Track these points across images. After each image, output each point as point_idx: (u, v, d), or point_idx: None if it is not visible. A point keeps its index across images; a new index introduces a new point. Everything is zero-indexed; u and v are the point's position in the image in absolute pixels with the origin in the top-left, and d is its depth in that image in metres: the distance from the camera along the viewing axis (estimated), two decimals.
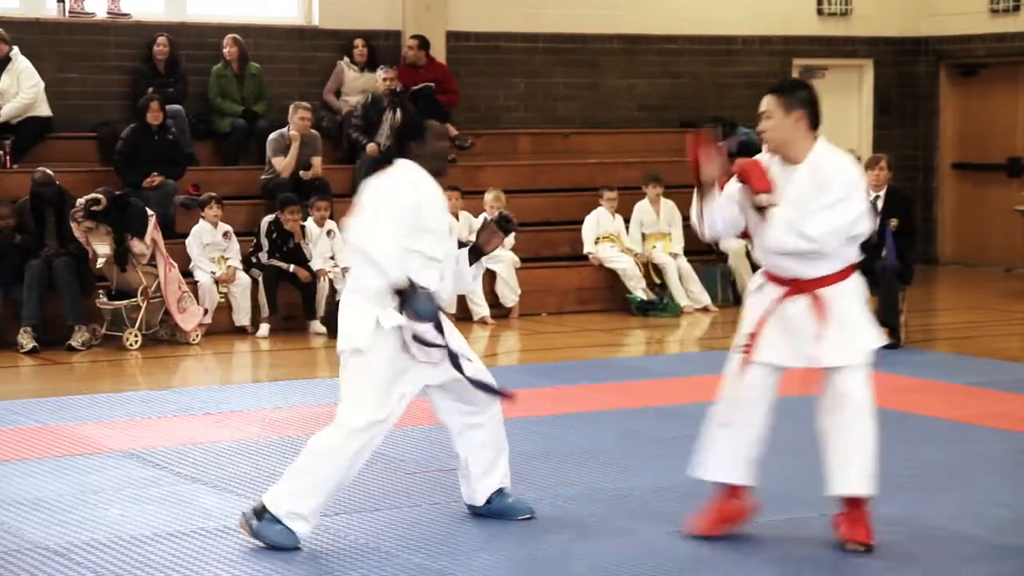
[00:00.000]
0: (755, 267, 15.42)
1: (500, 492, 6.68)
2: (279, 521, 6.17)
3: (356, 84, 15.36)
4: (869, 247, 11.98)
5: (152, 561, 6.12)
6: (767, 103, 6.26)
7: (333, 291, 13.11)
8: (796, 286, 6.21)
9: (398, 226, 6.10)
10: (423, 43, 15.51)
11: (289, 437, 8.59)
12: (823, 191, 6.09)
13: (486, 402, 6.54)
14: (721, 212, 6.29)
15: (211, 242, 13.02)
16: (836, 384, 6.20)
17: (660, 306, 14.15)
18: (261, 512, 6.20)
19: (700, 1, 17.35)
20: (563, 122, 16.71)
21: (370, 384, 6.18)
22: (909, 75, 18.62)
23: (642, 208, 14.86)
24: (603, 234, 14.60)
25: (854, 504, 6.23)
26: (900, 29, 18.49)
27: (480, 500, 6.65)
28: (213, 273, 12.87)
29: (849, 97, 18.62)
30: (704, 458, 6.40)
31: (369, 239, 6.06)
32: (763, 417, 6.30)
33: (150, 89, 13.93)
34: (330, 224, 13.44)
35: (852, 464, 6.17)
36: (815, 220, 6.04)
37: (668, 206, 14.86)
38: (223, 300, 12.85)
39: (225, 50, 14.75)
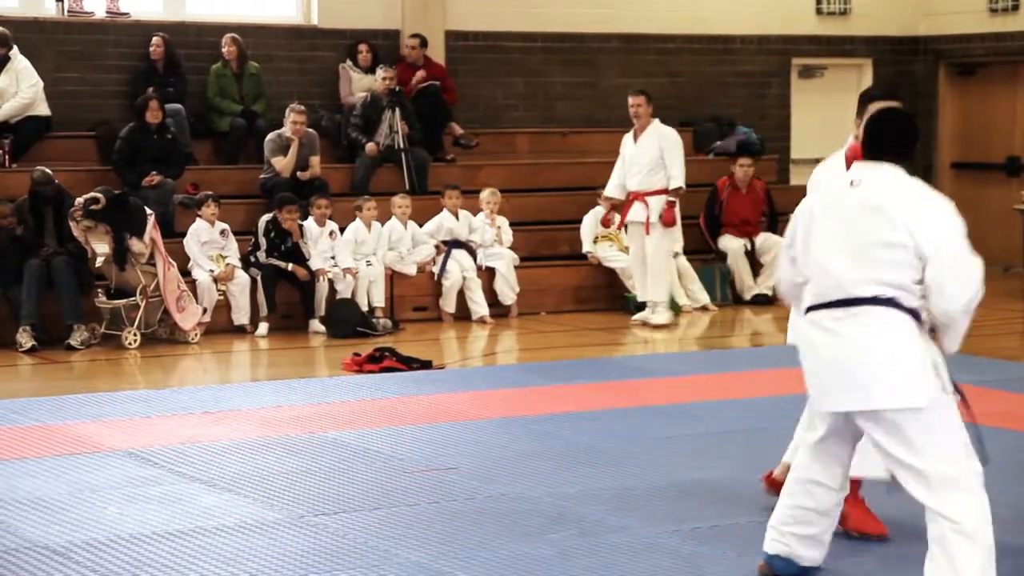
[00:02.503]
0: (754, 266, 15.53)
1: None
2: None
3: (360, 85, 15.37)
4: None
5: (151, 560, 6.12)
6: None
7: (333, 291, 13.11)
8: None
9: None
10: (423, 42, 15.52)
11: (288, 436, 8.59)
12: None
13: None
14: None
15: (209, 240, 13.02)
16: None
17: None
18: None
19: (698, 0, 17.35)
20: (562, 121, 16.71)
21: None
22: (908, 74, 18.61)
23: None
24: (602, 233, 14.59)
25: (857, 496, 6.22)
26: (899, 28, 18.49)
27: None
28: (211, 272, 12.87)
29: (848, 96, 18.44)
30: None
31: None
32: None
33: (149, 88, 13.93)
34: (331, 224, 13.44)
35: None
36: None
37: None
38: (222, 299, 12.85)
39: (224, 49, 14.74)
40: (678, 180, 13.22)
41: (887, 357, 5.16)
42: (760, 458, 7.88)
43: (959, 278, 5.17)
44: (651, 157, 13.25)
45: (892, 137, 5.40)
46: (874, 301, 5.18)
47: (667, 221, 13.23)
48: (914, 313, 5.19)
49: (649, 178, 13.25)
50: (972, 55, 18.27)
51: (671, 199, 13.24)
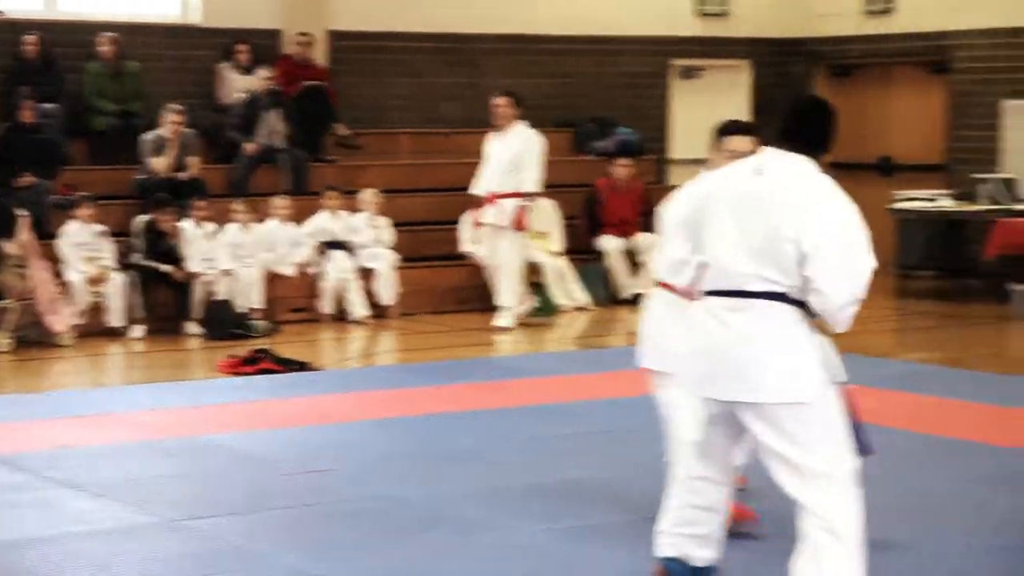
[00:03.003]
0: (633, 266, 15.60)
1: None
2: None
3: (238, 85, 15.24)
4: None
5: (22, 566, 6.03)
6: None
7: (209, 293, 12.98)
8: None
9: None
10: (312, 40, 15.47)
11: (162, 440, 8.50)
12: None
13: None
14: None
15: (83, 242, 12.82)
16: None
17: (537, 305, 14.17)
18: None
19: (580, 1, 17.43)
20: (445, 122, 16.70)
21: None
22: (786, 75, 18.84)
23: None
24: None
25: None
26: (778, 30, 18.72)
27: None
28: (85, 273, 12.68)
29: (728, 97, 18.79)
30: None
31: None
32: None
33: (24, 88, 13.70)
34: (209, 225, 13.31)
35: None
36: None
37: (547, 205, 14.89)
38: (97, 301, 12.67)
39: (101, 48, 14.54)
40: (530, 184, 13.25)
41: (775, 351, 5.13)
42: (637, 457, 7.95)
43: (837, 279, 5.13)
44: (509, 159, 13.29)
45: (810, 128, 5.30)
46: (765, 295, 5.13)
47: (517, 225, 13.26)
48: (803, 306, 5.17)
49: (505, 180, 13.26)
50: (848, 56, 18.56)
51: (524, 203, 13.27)
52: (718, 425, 5.35)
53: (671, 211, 6.00)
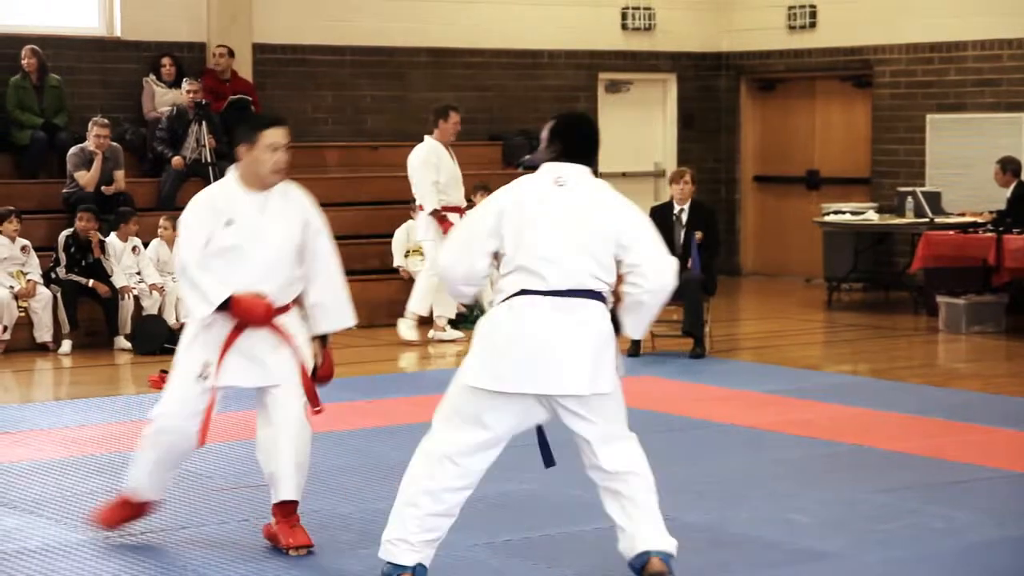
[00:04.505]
0: None
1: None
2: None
3: (165, 99, 15.15)
4: (674, 258, 12.30)
5: None
6: None
7: (139, 307, 12.88)
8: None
9: None
10: (231, 52, 15.38)
11: (92, 456, 8.42)
12: None
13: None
14: None
15: (8, 256, 12.70)
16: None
17: (471, 318, 14.19)
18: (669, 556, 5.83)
19: (506, 15, 17.48)
20: (372, 135, 16.68)
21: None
22: (711, 89, 19.01)
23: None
24: (413, 247, 14.60)
25: (288, 510, 6.45)
26: (701, 44, 18.87)
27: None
28: (12, 288, 12.55)
29: (653, 111, 18.93)
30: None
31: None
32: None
33: None
34: (134, 240, 13.22)
35: (292, 474, 6.44)
36: None
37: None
38: (23, 316, 12.54)
39: (23, 61, 14.40)
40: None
41: (589, 346, 5.63)
42: (570, 468, 7.96)
43: (658, 262, 5.75)
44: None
45: (584, 140, 5.83)
46: (584, 293, 5.63)
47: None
48: (606, 303, 5.73)
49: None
50: (772, 71, 18.74)
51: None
52: (507, 427, 5.70)
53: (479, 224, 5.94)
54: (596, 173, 5.88)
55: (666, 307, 13.23)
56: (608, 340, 5.70)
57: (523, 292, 5.62)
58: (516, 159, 16.94)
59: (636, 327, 5.89)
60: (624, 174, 18.54)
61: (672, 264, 5.83)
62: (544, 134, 5.87)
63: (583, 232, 5.64)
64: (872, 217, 16.10)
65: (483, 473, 5.77)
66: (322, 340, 6.62)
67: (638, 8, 18.33)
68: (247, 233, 6.41)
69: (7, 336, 12.34)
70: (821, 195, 18.06)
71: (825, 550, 6.46)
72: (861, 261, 16.35)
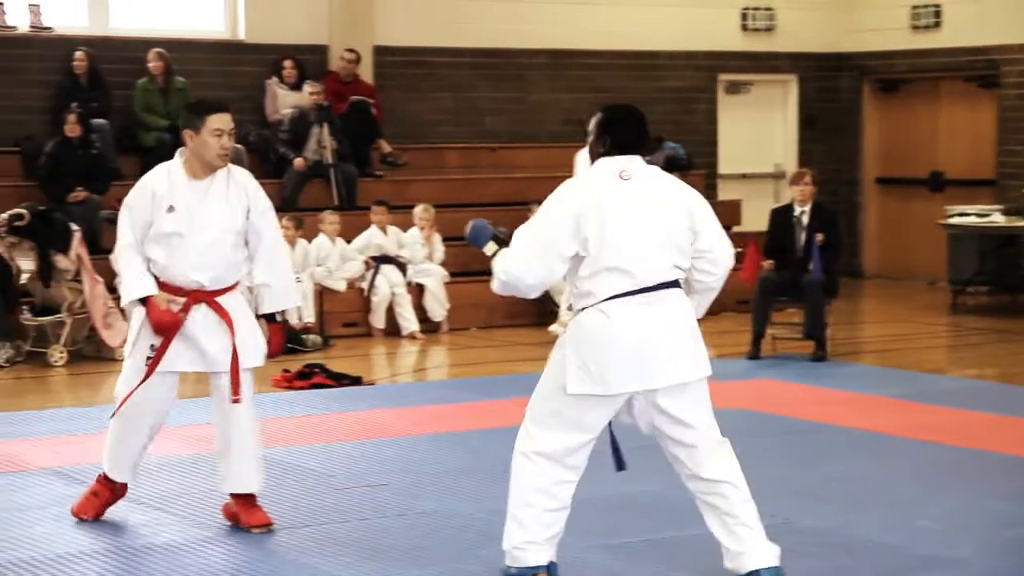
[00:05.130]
0: None
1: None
2: None
3: (287, 101, 15.33)
4: (795, 261, 12.20)
5: None
6: None
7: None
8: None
9: None
10: (358, 57, 15.54)
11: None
12: None
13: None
14: None
15: None
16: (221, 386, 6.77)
17: None
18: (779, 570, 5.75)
19: (625, 16, 17.44)
20: (490, 136, 16.74)
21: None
22: (832, 90, 18.81)
23: None
24: None
25: (247, 497, 6.77)
26: (823, 45, 18.69)
27: None
28: None
29: (774, 112, 18.79)
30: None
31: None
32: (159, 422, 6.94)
33: (74, 103, 13.81)
34: None
35: (257, 462, 6.79)
36: None
37: None
38: None
39: (150, 64, 14.65)
40: None
41: (689, 333, 5.67)
42: None
43: (725, 245, 5.78)
44: None
45: (636, 132, 5.80)
46: (671, 284, 5.66)
47: None
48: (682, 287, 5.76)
49: None
50: (895, 71, 18.50)
51: None
52: (600, 423, 5.70)
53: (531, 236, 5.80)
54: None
55: (787, 309, 13.20)
56: (695, 325, 5.74)
57: (614, 296, 5.56)
58: None
59: (702, 309, 5.88)
60: (744, 175, 18.43)
61: (729, 247, 5.84)
62: (592, 127, 5.80)
63: (662, 224, 5.62)
64: (998, 219, 15.83)
65: (586, 463, 5.79)
66: (268, 318, 6.86)
67: (758, 8, 18.20)
68: (187, 219, 6.62)
69: None
70: (945, 197, 17.79)
71: (951, 556, 6.37)
72: (986, 264, 16.06)
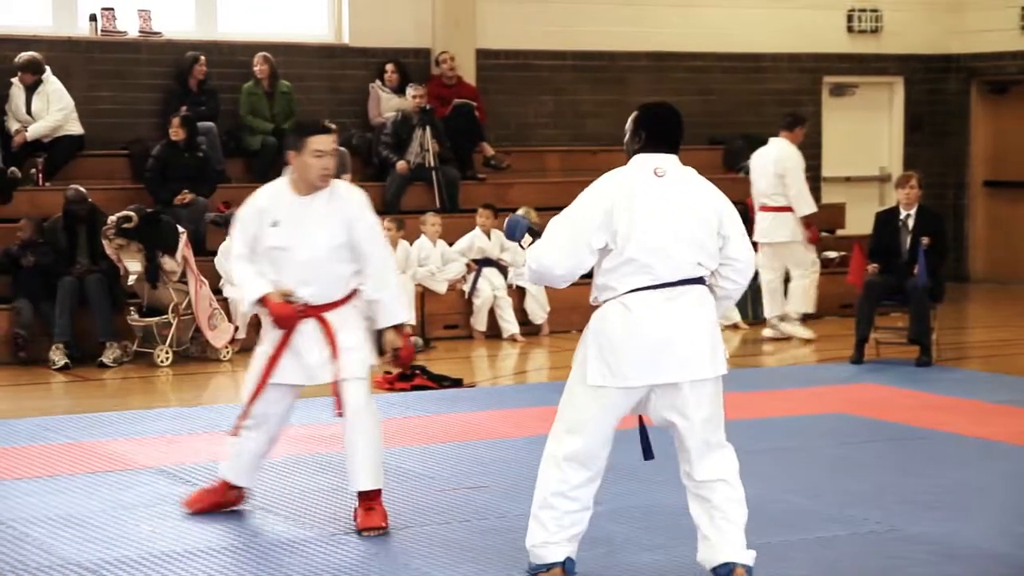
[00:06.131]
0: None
1: None
2: None
3: (390, 104, 15.42)
4: (900, 265, 12.06)
5: None
6: None
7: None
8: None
9: None
10: (452, 57, 15.62)
11: (319, 454, 8.61)
12: None
13: None
14: None
15: None
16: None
17: None
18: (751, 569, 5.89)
19: (729, 18, 17.35)
20: (591, 139, 16.72)
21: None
22: (940, 92, 18.57)
23: None
24: None
25: (369, 497, 6.84)
26: (930, 46, 18.45)
27: None
28: None
29: (880, 114, 18.58)
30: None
31: None
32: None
33: (183, 107, 14.00)
34: None
35: (367, 462, 6.83)
36: None
37: None
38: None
39: (256, 68, 14.81)
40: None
41: (707, 330, 5.76)
42: (789, 477, 7.87)
43: (750, 257, 5.88)
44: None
45: (673, 130, 5.87)
46: (696, 280, 5.75)
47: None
48: (707, 285, 5.85)
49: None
50: (1004, 73, 18.23)
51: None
52: (617, 419, 5.84)
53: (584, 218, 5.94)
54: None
55: (891, 313, 13.04)
56: (715, 323, 5.82)
57: (635, 289, 5.68)
58: (737, 163, 16.80)
59: (721, 314, 5.99)
60: (848, 178, 18.25)
61: (752, 256, 5.92)
62: (629, 125, 5.90)
63: (690, 222, 5.69)
64: None
65: (604, 465, 5.92)
66: (397, 328, 6.96)
67: (864, 10, 18.02)
68: (291, 234, 6.75)
69: (241, 335, 12.69)
70: None
71: None
72: None
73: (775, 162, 13.60)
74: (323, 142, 6.72)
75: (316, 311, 6.81)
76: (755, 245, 14.00)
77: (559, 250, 5.76)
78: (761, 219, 13.69)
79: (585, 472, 5.87)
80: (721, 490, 5.82)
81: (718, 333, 5.82)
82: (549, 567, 5.93)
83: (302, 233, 6.75)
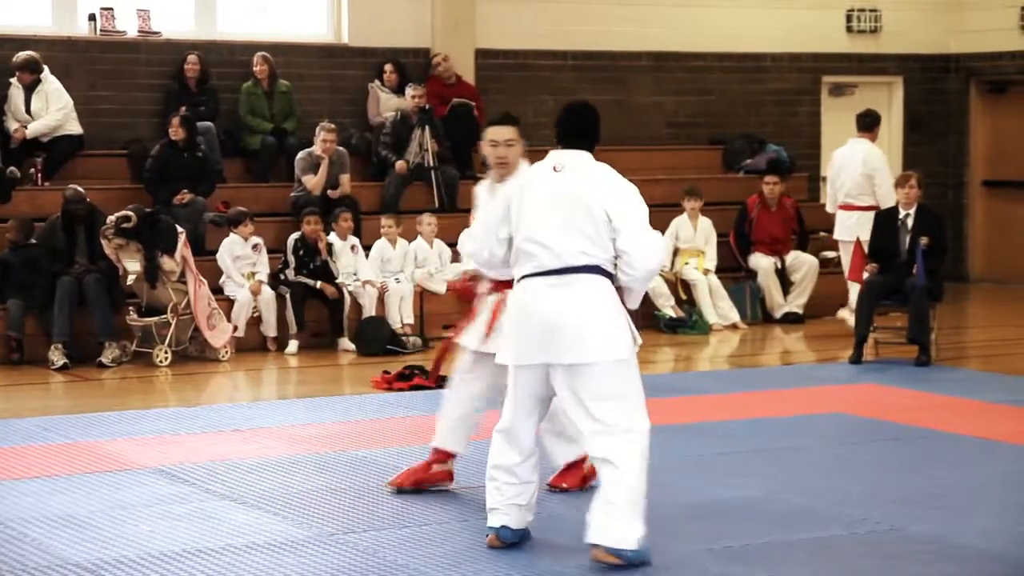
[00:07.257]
0: (784, 284, 15.48)
1: None
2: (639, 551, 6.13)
3: (389, 104, 15.41)
4: (899, 264, 12.06)
5: None
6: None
7: (357, 306, 13.11)
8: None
9: None
10: (445, 56, 15.62)
11: (317, 454, 8.61)
12: None
13: None
14: None
15: (241, 255, 13.05)
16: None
17: (689, 323, 14.13)
18: (620, 552, 6.08)
19: (729, 18, 17.34)
20: None
21: (640, 389, 6.28)
22: (939, 92, 18.57)
23: (679, 223, 14.81)
24: (687, 247, 14.66)
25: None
26: (929, 46, 18.45)
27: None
28: (244, 286, 12.89)
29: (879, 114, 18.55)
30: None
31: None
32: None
33: (182, 107, 13.99)
34: (352, 239, 13.46)
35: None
36: None
37: (705, 223, 14.84)
38: (255, 314, 12.88)
39: (255, 68, 14.80)
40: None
41: (596, 316, 6.10)
42: (789, 477, 7.87)
43: (644, 250, 6.13)
44: None
45: (584, 127, 6.35)
46: (582, 269, 6.11)
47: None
48: (611, 277, 6.18)
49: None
50: (1003, 72, 18.22)
51: None
52: (529, 403, 6.28)
53: (493, 212, 6.53)
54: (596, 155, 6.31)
55: (891, 313, 13.03)
56: (609, 310, 6.14)
57: (527, 275, 6.17)
58: (737, 163, 16.80)
59: (631, 303, 6.33)
60: None
61: (657, 246, 6.22)
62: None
63: (573, 213, 6.10)
64: None
65: (533, 442, 6.37)
66: None
67: (863, 10, 18.02)
68: None
69: (240, 334, 12.69)
70: None
71: None
72: None
73: (864, 163, 13.70)
74: (495, 132, 7.06)
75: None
76: (836, 244, 14.20)
77: (475, 240, 6.59)
78: (846, 217, 13.82)
79: (511, 448, 6.33)
80: (606, 472, 6.09)
81: (619, 318, 6.14)
82: (489, 531, 6.45)
83: None
